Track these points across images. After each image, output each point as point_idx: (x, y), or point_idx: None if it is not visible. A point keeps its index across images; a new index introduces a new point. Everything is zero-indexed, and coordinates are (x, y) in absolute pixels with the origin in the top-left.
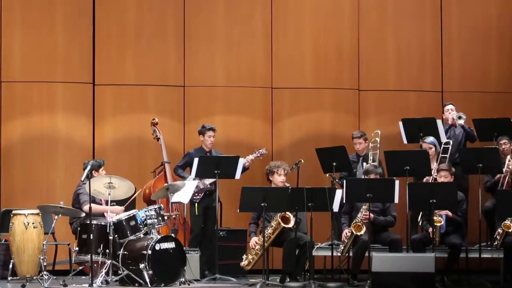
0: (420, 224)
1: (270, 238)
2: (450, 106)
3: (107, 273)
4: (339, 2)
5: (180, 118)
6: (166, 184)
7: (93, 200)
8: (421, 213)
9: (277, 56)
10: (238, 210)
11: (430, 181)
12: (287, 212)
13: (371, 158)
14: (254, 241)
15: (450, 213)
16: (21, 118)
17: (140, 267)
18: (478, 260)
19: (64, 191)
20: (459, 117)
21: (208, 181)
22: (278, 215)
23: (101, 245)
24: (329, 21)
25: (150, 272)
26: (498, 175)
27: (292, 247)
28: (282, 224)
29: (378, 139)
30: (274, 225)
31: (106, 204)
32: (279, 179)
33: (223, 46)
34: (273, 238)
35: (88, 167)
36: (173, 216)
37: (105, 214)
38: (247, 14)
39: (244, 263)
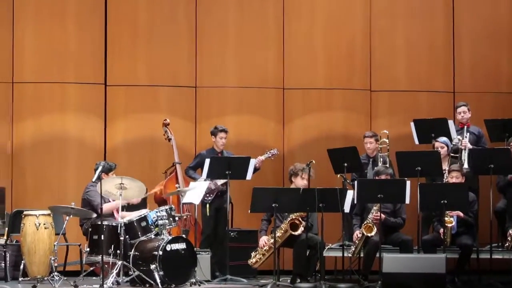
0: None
1: (279, 242)
2: (462, 108)
3: (118, 274)
4: (351, 3)
5: (192, 119)
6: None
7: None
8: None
9: (289, 57)
10: (249, 211)
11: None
12: (297, 218)
13: (381, 159)
14: (264, 241)
15: (461, 214)
16: (32, 119)
17: (151, 268)
18: (489, 261)
19: (75, 191)
20: None
21: (219, 182)
22: (288, 219)
23: (112, 246)
24: (341, 22)
25: (161, 273)
26: (510, 175)
27: (303, 247)
28: (290, 231)
29: (386, 140)
30: (283, 229)
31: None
32: (301, 182)
33: (235, 46)
34: (282, 242)
35: (100, 168)
36: (184, 217)
37: (115, 212)
38: (259, 14)
39: (252, 260)
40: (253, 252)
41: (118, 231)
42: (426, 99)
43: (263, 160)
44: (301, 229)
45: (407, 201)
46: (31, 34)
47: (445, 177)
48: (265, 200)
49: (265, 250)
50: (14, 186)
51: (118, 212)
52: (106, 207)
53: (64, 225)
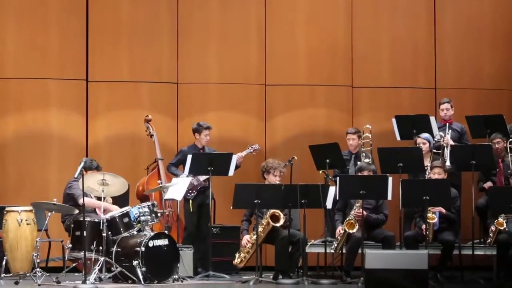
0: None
1: (261, 237)
2: (445, 105)
3: (100, 270)
4: None
5: (174, 115)
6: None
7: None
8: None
9: (271, 53)
10: (231, 207)
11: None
12: (276, 211)
13: (364, 155)
14: (246, 239)
15: (443, 210)
16: (14, 115)
17: (134, 264)
18: (471, 257)
19: (57, 188)
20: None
21: (202, 178)
22: (268, 213)
23: (94, 242)
24: (323, 18)
25: (143, 269)
26: (486, 184)
27: (285, 244)
28: (271, 223)
29: (369, 135)
30: (264, 223)
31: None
32: (273, 179)
33: (217, 43)
34: (264, 236)
35: (82, 164)
36: (167, 213)
37: (97, 210)
38: (241, 11)
39: (236, 261)
40: (237, 253)
41: (101, 227)
42: (408, 96)
43: (243, 157)
44: (282, 220)
45: (389, 197)
46: (12, 30)
47: (427, 173)
48: (248, 196)
49: (248, 248)
50: None
51: (100, 210)
52: (88, 202)
53: (46, 221)
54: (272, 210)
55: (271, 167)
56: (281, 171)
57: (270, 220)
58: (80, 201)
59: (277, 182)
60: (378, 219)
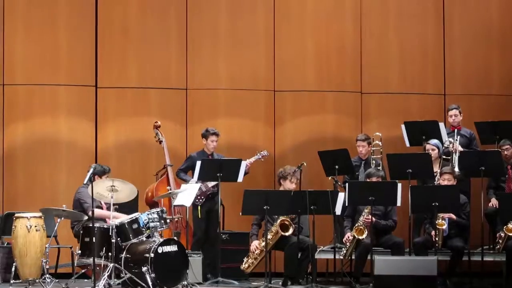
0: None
1: (270, 244)
2: (454, 112)
3: (109, 276)
4: (341, 5)
5: (183, 121)
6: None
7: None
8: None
9: (280, 59)
10: (240, 213)
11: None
12: (286, 219)
13: (373, 162)
14: (255, 245)
15: (454, 216)
16: (23, 121)
17: (143, 270)
18: (480, 263)
19: (66, 194)
20: None
21: (210, 184)
22: (278, 222)
23: (104, 248)
24: (332, 24)
25: (153, 275)
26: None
27: (294, 250)
28: (281, 232)
29: (379, 143)
30: (273, 231)
31: (107, 207)
32: (289, 186)
33: (226, 49)
34: (272, 245)
35: (91, 170)
36: (176, 219)
37: (107, 219)
38: (250, 17)
39: (244, 266)
40: (245, 258)
41: (110, 234)
42: (417, 102)
43: (252, 163)
44: (291, 229)
45: (399, 203)
46: (22, 37)
47: (436, 180)
48: (257, 202)
49: (256, 254)
50: (6, 189)
51: (109, 220)
52: (97, 212)
53: (56, 228)
54: (281, 219)
55: (288, 174)
56: (298, 179)
57: (279, 229)
58: (90, 212)
59: (293, 189)
60: (387, 225)
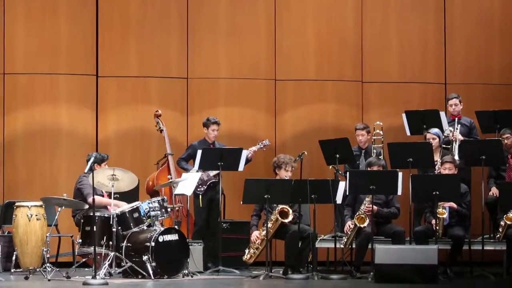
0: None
1: (270, 233)
2: (454, 101)
3: (110, 265)
4: None
5: (183, 110)
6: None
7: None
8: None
9: (280, 48)
10: (241, 202)
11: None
12: (285, 206)
13: (374, 151)
14: (255, 235)
15: (455, 205)
16: (24, 110)
17: (143, 259)
18: (481, 252)
19: (67, 183)
20: None
21: (212, 173)
22: (277, 209)
23: (104, 237)
24: (332, 13)
25: (153, 264)
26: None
27: (295, 239)
28: (280, 219)
29: (380, 132)
30: (273, 219)
31: (108, 196)
32: (284, 174)
33: (226, 38)
34: (273, 232)
35: (92, 159)
36: (177, 208)
37: (108, 207)
38: (251, 5)
39: (246, 257)
40: (246, 249)
41: (111, 222)
42: (418, 91)
43: (255, 151)
44: (290, 216)
45: (399, 192)
46: (22, 25)
47: (436, 168)
48: (257, 191)
49: (258, 244)
50: (6, 178)
51: (111, 208)
52: (98, 200)
53: (56, 216)
54: (280, 206)
55: (283, 162)
56: (293, 166)
57: (278, 216)
58: (90, 200)
59: (289, 177)
60: (391, 213)
